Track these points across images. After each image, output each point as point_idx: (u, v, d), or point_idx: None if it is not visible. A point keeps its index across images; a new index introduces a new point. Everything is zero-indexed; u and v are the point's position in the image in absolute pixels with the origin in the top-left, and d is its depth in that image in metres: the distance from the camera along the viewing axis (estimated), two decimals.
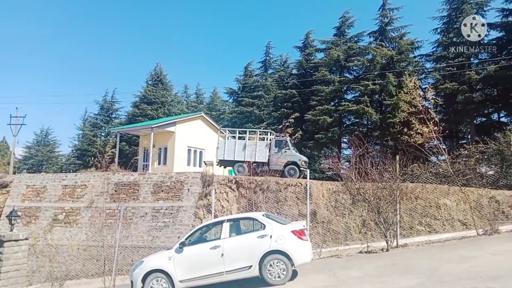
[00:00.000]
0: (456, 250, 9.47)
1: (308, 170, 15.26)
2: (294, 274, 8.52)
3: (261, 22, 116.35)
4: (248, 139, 19.21)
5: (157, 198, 16.28)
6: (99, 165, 17.71)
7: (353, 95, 29.44)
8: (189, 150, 24.60)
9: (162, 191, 16.38)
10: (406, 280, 7.05)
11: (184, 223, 15.29)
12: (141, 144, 26.28)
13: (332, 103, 29.03)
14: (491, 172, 15.13)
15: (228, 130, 20.63)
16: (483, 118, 27.21)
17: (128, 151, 34.09)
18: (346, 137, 28.67)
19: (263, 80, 35.67)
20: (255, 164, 18.05)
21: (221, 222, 8.79)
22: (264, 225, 8.36)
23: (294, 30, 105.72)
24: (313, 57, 32.81)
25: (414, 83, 18.09)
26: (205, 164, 20.32)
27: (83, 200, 17.31)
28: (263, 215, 8.84)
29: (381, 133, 27.02)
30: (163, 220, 15.67)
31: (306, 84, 30.35)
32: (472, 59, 25.01)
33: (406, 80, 18.78)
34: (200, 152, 25.26)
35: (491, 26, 25.13)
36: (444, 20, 26.71)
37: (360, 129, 27.47)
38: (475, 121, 25.86)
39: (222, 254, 8.15)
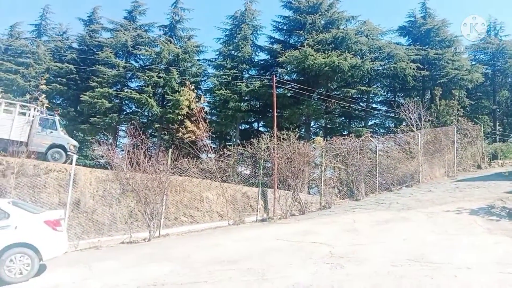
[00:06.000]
0: (209, 239, 10.65)
1: (75, 156, 13.97)
2: (43, 268, 7.63)
3: None
4: (4, 112, 15.93)
5: None
6: None
7: (137, 83, 29.00)
8: None
9: None
10: (161, 268, 7.44)
11: None
12: None
13: (114, 88, 27.64)
14: (247, 172, 17.71)
15: None
16: (246, 125, 31.62)
17: None
18: (125, 125, 27.86)
19: (34, 47, 30.37)
20: (9, 142, 15.15)
21: None
22: (8, 214, 7.13)
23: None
24: (98, 35, 30.39)
25: (192, 86, 19.29)
26: None
27: None
28: (8, 203, 7.51)
29: (161, 126, 27.64)
30: None
31: (87, 62, 27.77)
32: (244, 73, 28.78)
33: (187, 81, 19.86)
34: None
35: (261, 48, 29.73)
36: (227, 33, 29.47)
37: (140, 119, 27.24)
38: (240, 127, 29.76)
39: None
